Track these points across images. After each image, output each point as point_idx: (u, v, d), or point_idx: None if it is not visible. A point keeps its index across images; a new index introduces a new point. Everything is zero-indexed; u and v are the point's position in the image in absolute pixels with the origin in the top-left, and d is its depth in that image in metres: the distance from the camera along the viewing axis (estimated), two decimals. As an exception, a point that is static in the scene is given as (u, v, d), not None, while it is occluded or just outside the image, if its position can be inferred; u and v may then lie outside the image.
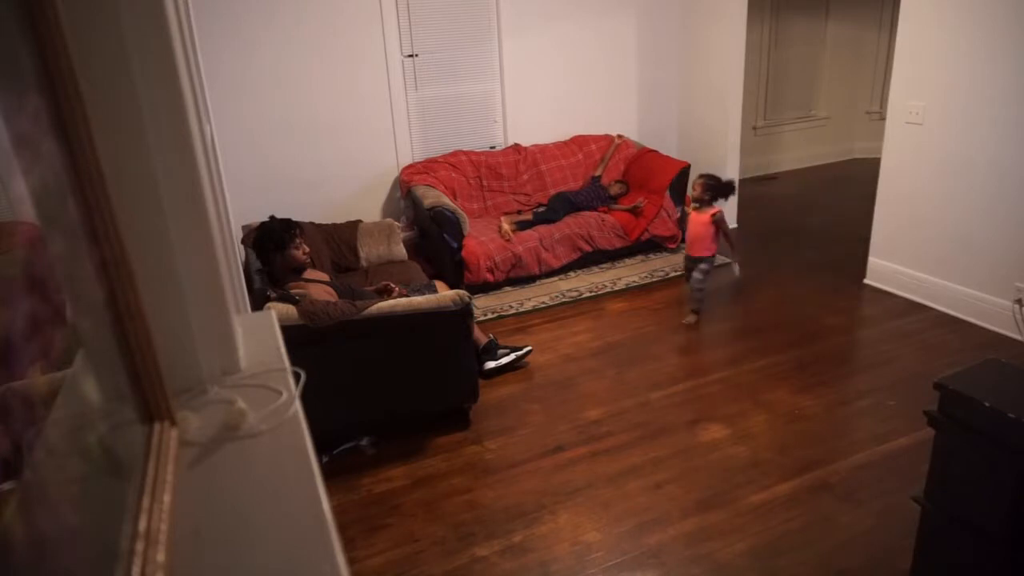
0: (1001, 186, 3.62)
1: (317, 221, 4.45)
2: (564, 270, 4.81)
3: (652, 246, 5.10)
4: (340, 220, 4.59)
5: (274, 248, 3.26)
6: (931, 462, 1.97)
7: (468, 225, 4.48)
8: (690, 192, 4.17)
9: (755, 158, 6.70)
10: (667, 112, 5.80)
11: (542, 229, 4.74)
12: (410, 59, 4.90)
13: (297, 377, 1.01)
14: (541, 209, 5.03)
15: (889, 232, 4.26)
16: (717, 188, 4.00)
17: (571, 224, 4.81)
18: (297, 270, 3.28)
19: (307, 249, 3.34)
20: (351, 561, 1.77)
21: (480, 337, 3.63)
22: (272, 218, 3.39)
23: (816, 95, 6.96)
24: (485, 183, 5.13)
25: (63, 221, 0.71)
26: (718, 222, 3.94)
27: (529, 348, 3.73)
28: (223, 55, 4.33)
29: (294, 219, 3.52)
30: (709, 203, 3.98)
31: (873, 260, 4.38)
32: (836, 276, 4.57)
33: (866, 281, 4.42)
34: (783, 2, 6.47)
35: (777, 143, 6.91)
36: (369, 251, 4.38)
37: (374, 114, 4.88)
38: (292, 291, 3.03)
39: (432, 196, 4.56)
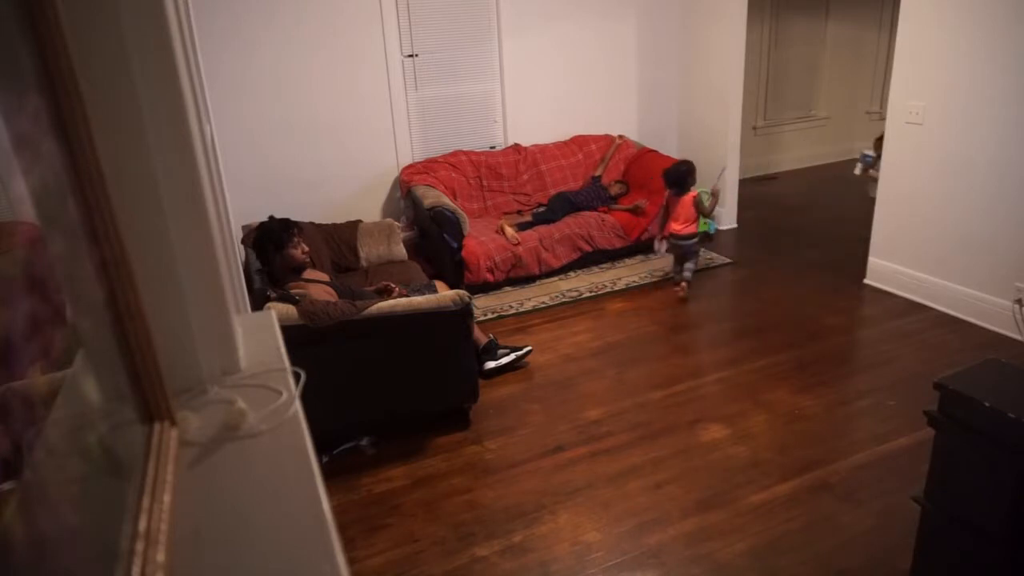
0: (1001, 186, 3.62)
1: (317, 221, 4.45)
2: (564, 270, 4.81)
3: (652, 246, 5.10)
4: (340, 220, 4.59)
5: (273, 248, 3.26)
6: (931, 462, 1.97)
7: (468, 225, 4.48)
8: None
9: (755, 158, 6.70)
10: (667, 112, 5.80)
11: (542, 229, 4.74)
12: (410, 59, 4.90)
13: (297, 377, 1.01)
14: (541, 209, 5.03)
15: (889, 232, 4.26)
16: (667, 178, 4.35)
17: (571, 224, 4.81)
18: (296, 270, 3.28)
19: (306, 248, 3.34)
20: (351, 561, 1.77)
21: (480, 337, 3.63)
22: (271, 218, 3.39)
23: (816, 95, 6.96)
24: (485, 183, 5.13)
25: (63, 221, 0.71)
26: (696, 203, 4.28)
27: (529, 348, 3.73)
28: (223, 55, 4.33)
29: (294, 219, 3.52)
30: (683, 191, 4.31)
31: (873, 260, 4.39)
32: (836, 276, 4.57)
33: (866, 281, 4.42)
34: (783, 2, 6.47)
35: (777, 143, 6.91)
36: (369, 251, 4.38)
37: (374, 114, 4.88)
38: (292, 291, 3.03)
39: (432, 196, 4.56)
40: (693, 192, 4.26)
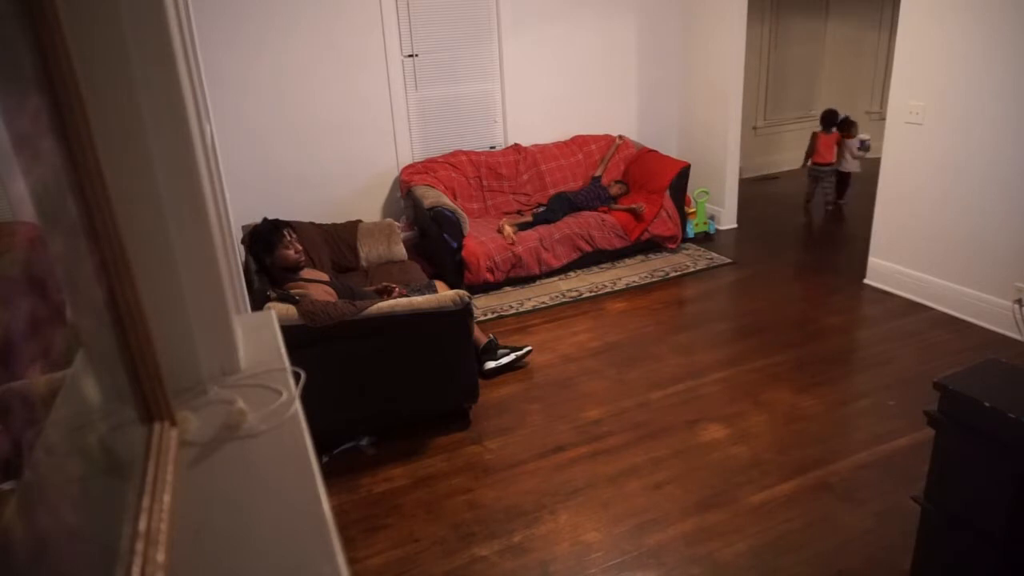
0: (1001, 186, 3.62)
1: (317, 221, 4.45)
2: (564, 270, 4.81)
3: (652, 246, 5.11)
4: (340, 220, 4.59)
5: (263, 250, 3.27)
6: (931, 462, 1.97)
7: (468, 225, 4.48)
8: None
9: (755, 158, 6.70)
10: (667, 112, 5.80)
11: (542, 229, 4.74)
12: (410, 59, 4.90)
13: (297, 377, 1.01)
14: (541, 209, 5.03)
15: (889, 232, 4.26)
16: (823, 121, 5.77)
17: (571, 224, 4.81)
18: (292, 269, 3.28)
19: (299, 247, 3.34)
20: (351, 561, 1.77)
21: (480, 337, 3.63)
22: (264, 220, 3.40)
23: (816, 95, 6.96)
24: (485, 183, 5.13)
25: (63, 221, 0.71)
26: (838, 142, 5.76)
27: (529, 348, 3.73)
28: (224, 55, 4.32)
29: (290, 219, 3.52)
30: (828, 130, 5.73)
31: (873, 260, 4.39)
32: (836, 276, 4.57)
33: (866, 281, 4.42)
34: (783, 2, 6.47)
35: (777, 143, 6.91)
36: (369, 251, 4.38)
37: (374, 114, 4.88)
38: (292, 291, 3.03)
39: (432, 196, 4.56)
40: (836, 134, 5.68)
